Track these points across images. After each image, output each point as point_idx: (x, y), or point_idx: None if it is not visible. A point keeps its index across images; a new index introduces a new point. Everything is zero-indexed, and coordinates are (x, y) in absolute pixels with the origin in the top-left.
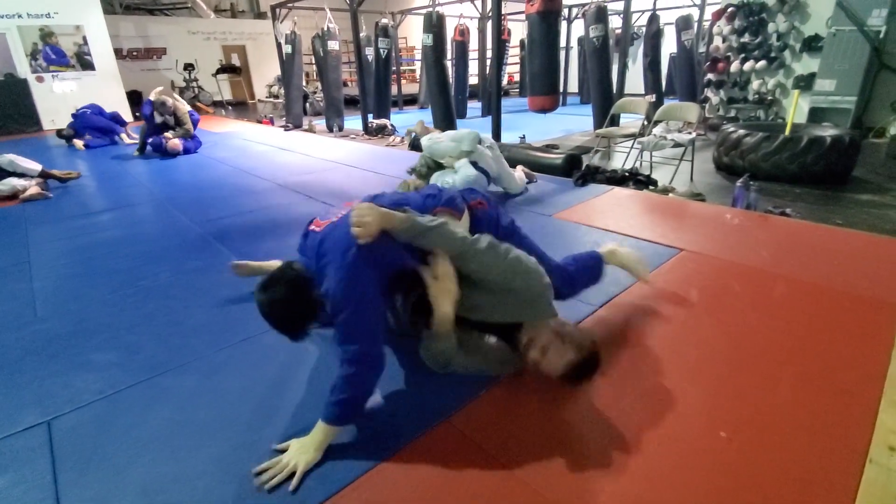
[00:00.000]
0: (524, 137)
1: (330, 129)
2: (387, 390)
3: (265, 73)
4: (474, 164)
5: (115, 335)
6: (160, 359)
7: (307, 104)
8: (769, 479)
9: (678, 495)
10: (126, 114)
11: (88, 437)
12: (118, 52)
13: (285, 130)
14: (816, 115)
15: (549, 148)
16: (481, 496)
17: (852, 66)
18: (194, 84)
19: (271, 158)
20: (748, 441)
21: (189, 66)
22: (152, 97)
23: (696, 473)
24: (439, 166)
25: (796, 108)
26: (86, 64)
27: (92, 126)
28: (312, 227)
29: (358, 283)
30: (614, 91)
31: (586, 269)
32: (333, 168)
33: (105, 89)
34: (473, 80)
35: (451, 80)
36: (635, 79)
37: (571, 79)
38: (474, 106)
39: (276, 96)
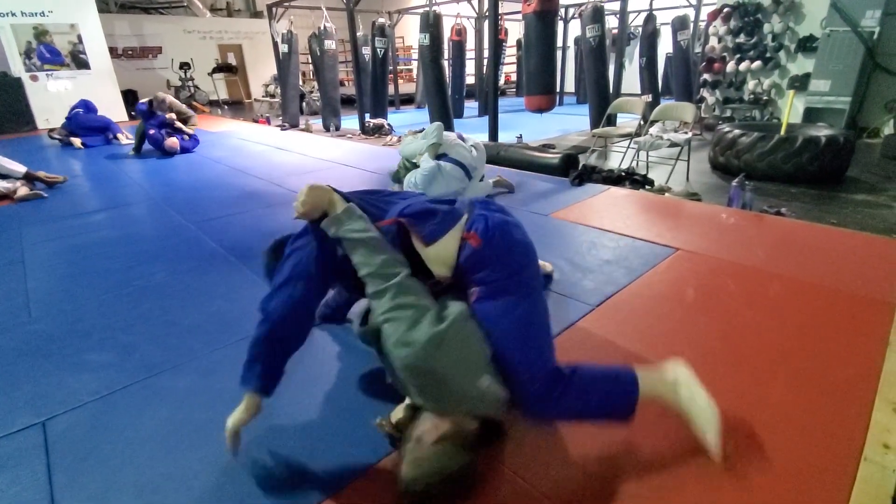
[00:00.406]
0: (521, 137)
1: (327, 129)
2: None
3: (261, 72)
4: (444, 155)
5: (110, 335)
6: (156, 359)
7: (304, 104)
8: (764, 476)
9: (672, 493)
10: (121, 113)
11: (83, 438)
12: (113, 51)
13: (282, 130)
14: (811, 115)
15: (546, 147)
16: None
17: (846, 67)
18: (190, 83)
19: (268, 158)
20: (744, 439)
21: (185, 66)
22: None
23: (691, 470)
24: (416, 167)
25: (791, 109)
26: (80, 63)
27: (86, 126)
28: None
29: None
30: (611, 91)
31: (601, 385)
32: (330, 167)
33: (100, 88)
34: (470, 80)
35: (447, 79)
36: (632, 79)
37: (568, 79)
38: (471, 106)
39: (273, 95)
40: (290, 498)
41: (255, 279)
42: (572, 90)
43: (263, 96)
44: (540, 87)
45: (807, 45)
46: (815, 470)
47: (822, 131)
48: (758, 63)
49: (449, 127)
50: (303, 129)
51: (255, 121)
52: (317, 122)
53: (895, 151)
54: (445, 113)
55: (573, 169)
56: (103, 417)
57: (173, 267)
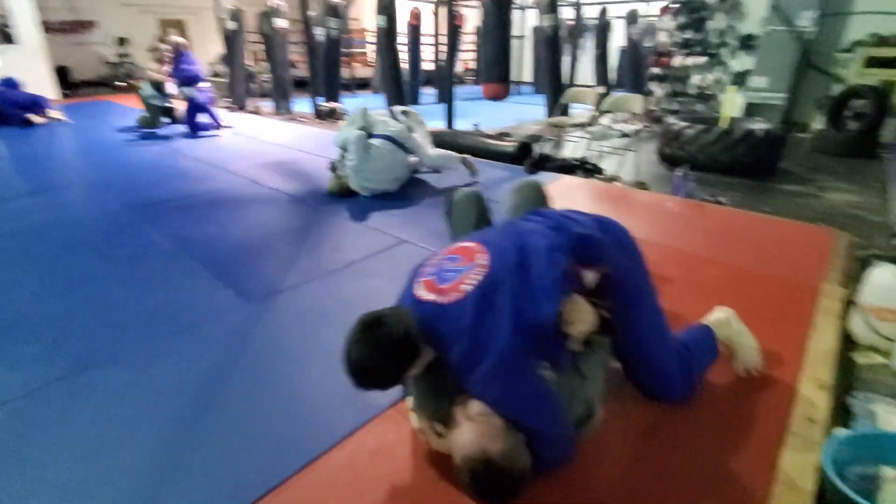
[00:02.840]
0: (478, 125)
1: (277, 111)
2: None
3: (207, 50)
4: (370, 134)
5: (39, 327)
6: (87, 352)
7: (252, 84)
8: (694, 451)
9: (606, 469)
10: (53, 91)
11: (7, 436)
12: (44, 25)
13: (228, 112)
14: (751, 110)
15: (502, 136)
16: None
17: (783, 65)
18: (127, 60)
19: (212, 140)
20: (676, 415)
21: (122, 41)
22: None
23: (623, 449)
24: None
25: (732, 103)
26: (7, 37)
27: (12, 102)
28: (429, 292)
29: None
30: (565, 81)
31: (705, 357)
32: (280, 152)
33: (29, 64)
34: (430, 66)
35: (404, 65)
36: (587, 70)
37: (527, 68)
38: (430, 92)
39: (219, 75)
40: (223, 494)
41: (195, 268)
42: (530, 80)
43: (209, 76)
44: (495, 75)
45: (748, 42)
46: (745, 444)
47: (758, 125)
48: (703, 58)
49: None
50: (251, 112)
51: None
52: (267, 105)
53: (824, 146)
54: (401, 99)
55: (528, 157)
56: (30, 414)
57: (108, 254)
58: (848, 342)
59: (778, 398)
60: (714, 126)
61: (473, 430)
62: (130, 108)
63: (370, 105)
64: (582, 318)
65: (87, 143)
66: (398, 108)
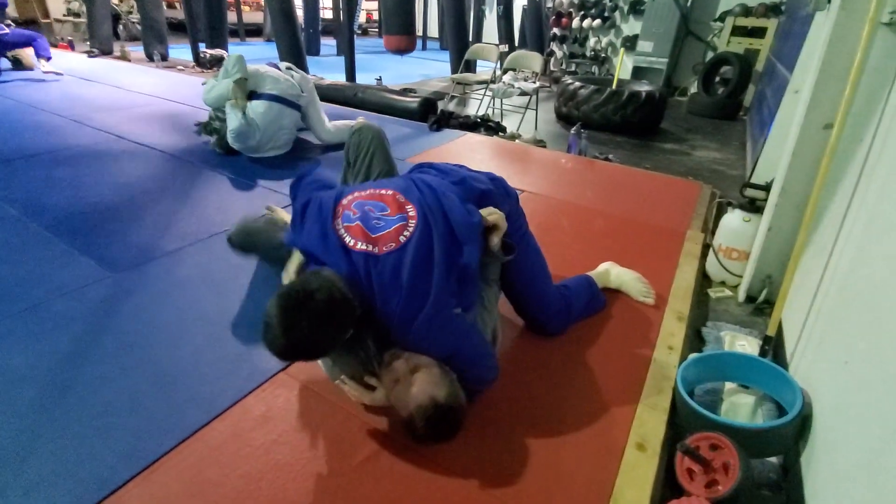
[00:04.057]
0: (381, 79)
1: (150, 58)
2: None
3: None
4: (254, 93)
5: None
6: None
7: (119, 26)
8: (571, 378)
9: (499, 391)
10: None
11: None
12: None
13: (89, 57)
14: (639, 73)
15: (407, 91)
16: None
17: (666, 31)
18: None
19: (69, 90)
20: (558, 346)
21: None
22: None
23: (511, 372)
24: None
25: (622, 66)
26: None
27: None
28: (361, 241)
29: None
30: (470, 38)
31: (583, 298)
32: (154, 103)
33: None
34: (329, 14)
35: (300, 10)
36: (493, 28)
37: (433, 23)
38: (329, 43)
39: (78, 14)
40: (74, 487)
41: (45, 237)
42: (437, 35)
43: (66, 15)
44: (398, 27)
45: (636, 7)
46: (615, 368)
47: (643, 87)
48: (598, 21)
49: (302, 65)
50: (118, 58)
51: (55, 45)
52: (137, 50)
53: (697, 108)
54: (296, 49)
55: (432, 114)
56: None
57: None
58: (705, 279)
59: (645, 330)
60: (606, 87)
61: (419, 380)
62: None
63: (266, 55)
64: (501, 224)
65: None
66: (284, 65)
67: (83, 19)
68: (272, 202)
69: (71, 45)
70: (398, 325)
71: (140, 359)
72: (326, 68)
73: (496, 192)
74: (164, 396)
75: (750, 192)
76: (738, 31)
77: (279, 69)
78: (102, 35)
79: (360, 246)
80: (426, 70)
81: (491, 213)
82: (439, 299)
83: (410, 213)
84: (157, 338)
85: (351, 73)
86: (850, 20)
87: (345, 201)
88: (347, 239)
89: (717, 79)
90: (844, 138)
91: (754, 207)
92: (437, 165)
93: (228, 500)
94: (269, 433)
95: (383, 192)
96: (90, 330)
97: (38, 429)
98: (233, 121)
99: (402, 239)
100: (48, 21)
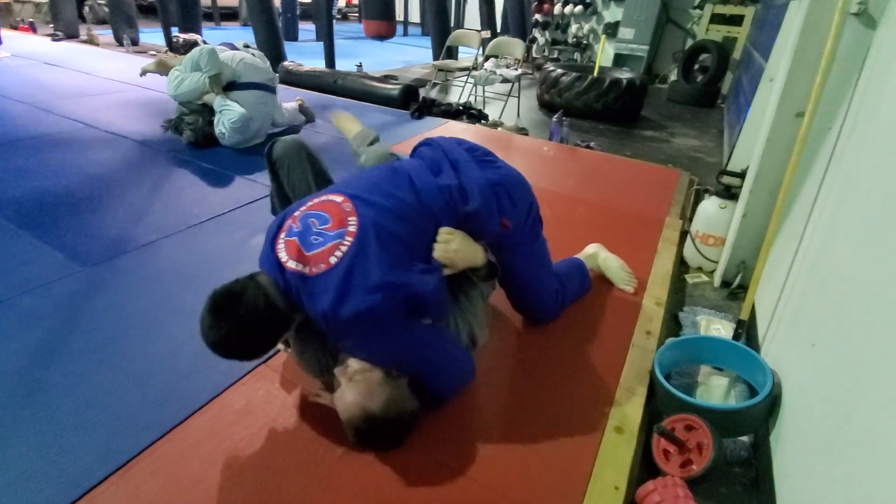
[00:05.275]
0: (361, 66)
1: (119, 43)
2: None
3: None
4: (234, 83)
5: None
6: None
7: (85, 8)
8: (551, 358)
9: (484, 376)
10: None
11: None
12: None
13: (53, 40)
14: (620, 60)
15: (388, 78)
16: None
17: (647, 18)
18: None
19: (31, 75)
20: (543, 333)
21: None
22: None
23: (491, 358)
24: (209, 110)
25: (603, 53)
26: None
27: None
28: (293, 259)
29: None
30: (452, 24)
31: (574, 284)
32: (125, 90)
33: None
34: None
35: None
36: (475, 14)
37: (414, 9)
38: (308, 28)
39: None
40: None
41: (7, 229)
42: (418, 21)
43: None
44: (378, 12)
45: None
46: (595, 353)
47: (625, 75)
48: (579, 7)
49: (279, 51)
50: (84, 41)
51: (15, 27)
52: (105, 34)
53: (676, 95)
54: (274, 34)
55: (413, 101)
56: None
57: None
58: (683, 265)
59: (625, 316)
60: (588, 75)
61: (352, 390)
62: None
63: (243, 39)
64: (450, 264)
65: None
66: (241, 43)
67: (45, 0)
68: (249, 193)
69: (33, 28)
70: (331, 341)
71: (114, 355)
72: (305, 54)
73: (483, 213)
74: (140, 393)
75: (726, 180)
76: (716, 18)
77: (236, 48)
78: (66, 17)
79: (291, 265)
80: (407, 56)
81: (445, 242)
82: (372, 316)
83: (350, 228)
84: (132, 333)
85: (330, 60)
86: (822, 9)
87: (297, 212)
88: (282, 255)
89: (696, 66)
90: (815, 126)
91: (730, 194)
92: (453, 154)
93: (209, 497)
94: (249, 427)
95: (334, 198)
96: (60, 327)
97: (8, 430)
98: (231, 113)
99: (332, 260)
100: (7, 2)
